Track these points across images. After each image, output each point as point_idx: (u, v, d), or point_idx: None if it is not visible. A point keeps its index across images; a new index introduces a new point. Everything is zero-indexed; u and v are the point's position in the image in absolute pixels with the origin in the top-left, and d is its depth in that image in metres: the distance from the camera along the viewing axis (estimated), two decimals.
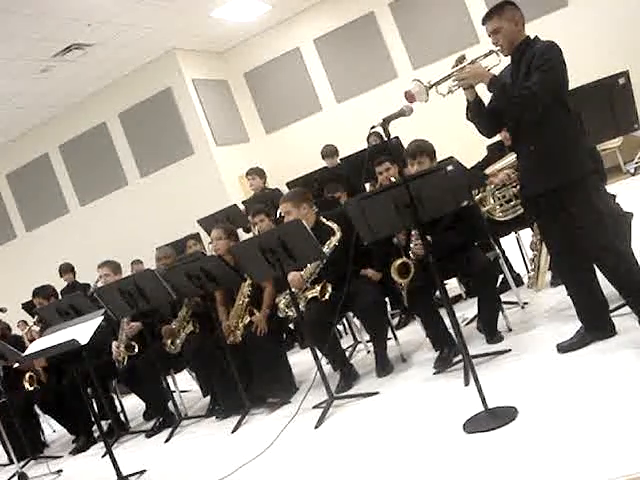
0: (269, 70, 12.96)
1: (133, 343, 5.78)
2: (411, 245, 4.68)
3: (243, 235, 8.15)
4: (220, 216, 7.92)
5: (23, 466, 6.05)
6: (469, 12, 11.25)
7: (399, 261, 4.65)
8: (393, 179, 5.30)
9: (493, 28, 3.77)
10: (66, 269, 9.25)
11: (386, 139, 3.71)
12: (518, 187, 5.10)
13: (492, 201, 5.34)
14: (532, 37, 3.80)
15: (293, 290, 4.85)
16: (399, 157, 5.24)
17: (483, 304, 4.71)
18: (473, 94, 3.85)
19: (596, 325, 3.94)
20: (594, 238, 3.72)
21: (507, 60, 3.88)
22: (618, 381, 3.34)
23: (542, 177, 3.77)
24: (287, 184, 7.43)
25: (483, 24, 3.81)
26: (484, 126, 3.98)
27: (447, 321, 4.44)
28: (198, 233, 7.75)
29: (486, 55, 3.79)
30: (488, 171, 5.38)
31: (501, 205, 5.38)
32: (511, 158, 5.23)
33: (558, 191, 3.72)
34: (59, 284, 9.02)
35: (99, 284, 6.08)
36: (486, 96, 3.88)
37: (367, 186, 7.05)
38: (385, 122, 3.62)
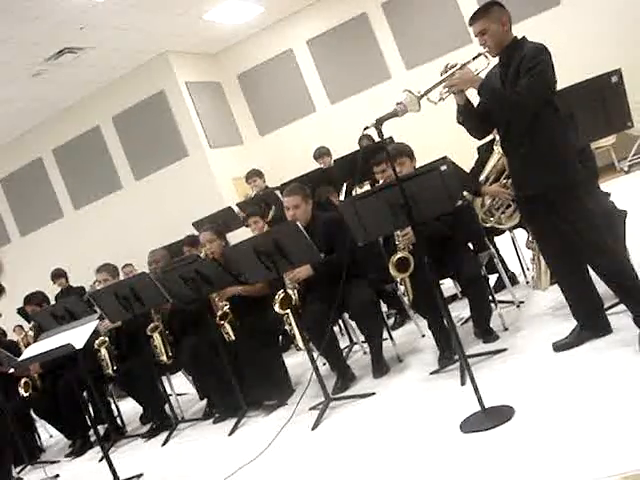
0: (262, 72, 12.96)
1: (105, 339, 5.83)
2: (397, 242, 4.69)
3: (242, 232, 8.15)
4: (215, 218, 7.92)
5: (20, 471, 6.04)
6: (462, 12, 11.25)
7: (397, 256, 4.64)
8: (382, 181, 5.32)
9: (480, 29, 3.77)
10: (58, 275, 9.21)
11: (379, 139, 3.70)
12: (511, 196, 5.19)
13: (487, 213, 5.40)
14: (520, 37, 3.80)
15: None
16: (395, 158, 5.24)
17: (474, 307, 4.76)
18: (463, 98, 3.85)
19: (591, 323, 3.94)
20: (586, 238, 3.73)
21: (496, 61, 3.88)
22: (614, 379, 3.34)
23: (533, 178, 3.77)
24: (281, 185, 7.42)
25: (470, 25, 3.82)
26: (474, 129, 3.99)
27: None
28: (195, 235, 7.71)
29: (474, 58, 3.79)
30: (482, 176, 5.41)
31: (492, 215, 5.42)
32: (497, 157, 5.28)
33: (549, 192, 3.73)
34: (54, 289, 9.01)
35: (97, 287, 6.08)
36: (476, 98, 3.88)
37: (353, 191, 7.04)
38: (378, 123, 3.61)
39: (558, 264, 3.99)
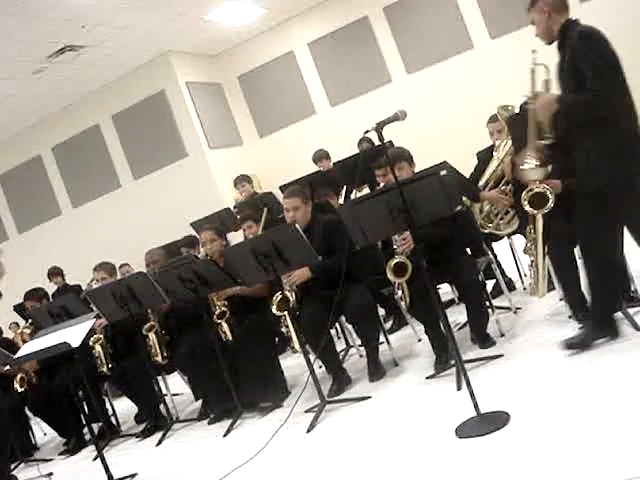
0: (263, 73, 12.97)
1: (100, 336, 5.84)
2: (395, 246, 4.70)
3: (235, 236, 8.16)
4: (213, 219, 7.92)
5: (13, 469, 6.02)
6: (463, 17, 11.27)
7: (394, 261, 4.65)
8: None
9: (530, 20, 3.88)
10: (54, 272, 9.21)
11: (380, 143, 3.70)
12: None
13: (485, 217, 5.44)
14: (572, 20, 3.79)
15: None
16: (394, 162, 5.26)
17: (471, 313, 4.77)
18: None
19: (604, 324, 3.94)
20: None
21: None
22: (611, 385, 3.35)
23: (596, 172, 3.72)
24: (280, 187, 7.43)
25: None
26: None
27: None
28: (193, 236, 7.72)
29: (534, 67, 3.82)
30: (482, 182, 5.44)
31: (491, 221, 5.46)
32: (496, 163, 5.32)
33: (612, 184, 3.69)
34: (50, 287, 9.00)
35: (94, 286, 6.07)
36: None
37: (351, 195, 7.06)
38: (379, 126, 3.62)
39: (604, 259, 3.94)
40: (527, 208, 4.32)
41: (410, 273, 4.60)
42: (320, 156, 8.33)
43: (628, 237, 4.41)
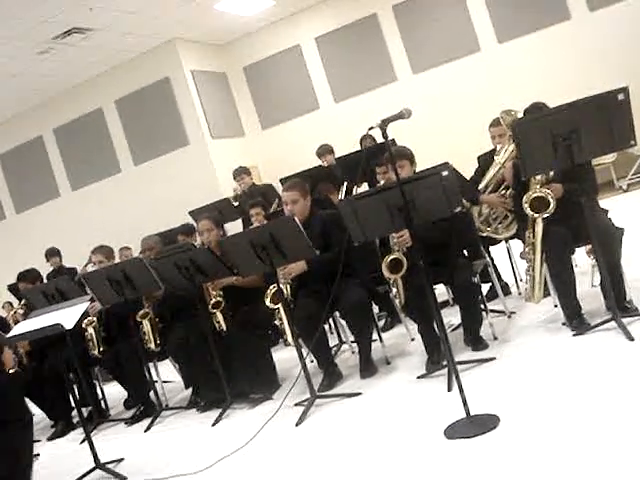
0: (269, 66, 12.95)
1: (93, 319, 5.83)
2: (391, 243, 4.70)
3: (232, 229, 8.14)
4: (211, 209, 7.91)
5: None
6: (472, 19, 11.27)
7: (390, 257, 4.65)
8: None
9: None
10: (52, 253, 9.21)
11: (384, 140, 3.70)
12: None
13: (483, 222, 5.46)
14: None
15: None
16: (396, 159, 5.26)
17: (465, 315, 4.77)
18: None
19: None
20: None
21: None
22: (601, 394, 3.35)
23: None
24: (281, 180, 7.42)
25: None
26: None
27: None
28: (191, 224, 7.71)
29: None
30: (481, 185, 5.45)
31: (489, 225, 5.47)
32: (497, 167, 5.32)
33: None
34: (47, 267, 9.00)
35: (89, 269, 6.08)
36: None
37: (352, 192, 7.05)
38: (384, 123, 3.62)
39: None
40: (528, 211, 4.32)
41: (405, 270, 4.61)
42: (324, 150, 8.31)
43: (625, 245, 4.43)
